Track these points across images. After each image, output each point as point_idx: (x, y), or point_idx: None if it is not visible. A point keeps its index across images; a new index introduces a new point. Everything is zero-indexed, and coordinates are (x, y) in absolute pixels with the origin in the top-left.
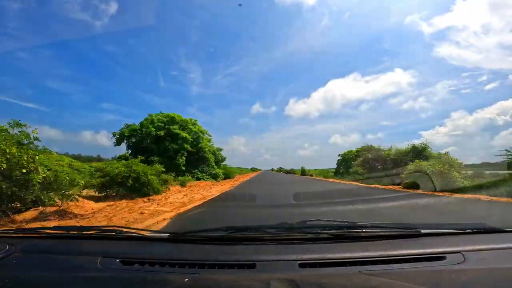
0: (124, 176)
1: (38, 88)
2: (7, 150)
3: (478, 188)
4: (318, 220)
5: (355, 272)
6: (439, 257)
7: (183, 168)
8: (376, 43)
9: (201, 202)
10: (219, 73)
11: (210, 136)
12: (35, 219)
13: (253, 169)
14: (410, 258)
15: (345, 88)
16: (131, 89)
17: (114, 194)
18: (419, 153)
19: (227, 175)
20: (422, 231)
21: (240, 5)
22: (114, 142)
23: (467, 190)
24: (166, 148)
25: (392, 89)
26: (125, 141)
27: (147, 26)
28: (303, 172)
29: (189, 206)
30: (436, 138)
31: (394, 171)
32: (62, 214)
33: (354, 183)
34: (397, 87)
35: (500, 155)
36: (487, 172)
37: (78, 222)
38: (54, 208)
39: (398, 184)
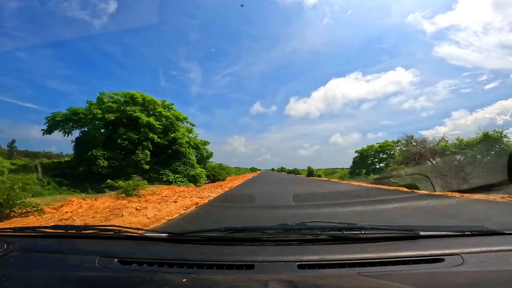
0: None
1: (38, 88)
2: None
3: None
4: (317, 221)
5: (353, 274)
6: (437, 259)
7: (146, 167)
8: (377, 41)
9: None
10: (219, 73)
11: (194, 125)
12: None
13: (253, 169)
14: (408, 260)
15: (346, 87)
16: (131, 89)
17: None
18: (491, 144)
19: (216, 177)
20: (421, 233)
21: (242, 5)
22: (42, 130)
23: None
24: (121, 139)
25: (393, 88)
26: (61, 129)
27: (147, 25)
28: (310, 172)
29: None
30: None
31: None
32: None
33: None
34: (398, 86)
35: None
36: None
37: None
38: None
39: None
